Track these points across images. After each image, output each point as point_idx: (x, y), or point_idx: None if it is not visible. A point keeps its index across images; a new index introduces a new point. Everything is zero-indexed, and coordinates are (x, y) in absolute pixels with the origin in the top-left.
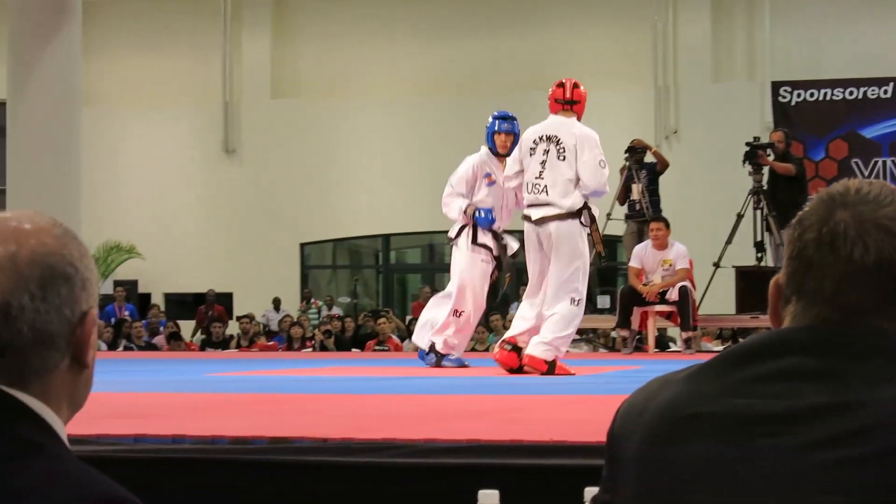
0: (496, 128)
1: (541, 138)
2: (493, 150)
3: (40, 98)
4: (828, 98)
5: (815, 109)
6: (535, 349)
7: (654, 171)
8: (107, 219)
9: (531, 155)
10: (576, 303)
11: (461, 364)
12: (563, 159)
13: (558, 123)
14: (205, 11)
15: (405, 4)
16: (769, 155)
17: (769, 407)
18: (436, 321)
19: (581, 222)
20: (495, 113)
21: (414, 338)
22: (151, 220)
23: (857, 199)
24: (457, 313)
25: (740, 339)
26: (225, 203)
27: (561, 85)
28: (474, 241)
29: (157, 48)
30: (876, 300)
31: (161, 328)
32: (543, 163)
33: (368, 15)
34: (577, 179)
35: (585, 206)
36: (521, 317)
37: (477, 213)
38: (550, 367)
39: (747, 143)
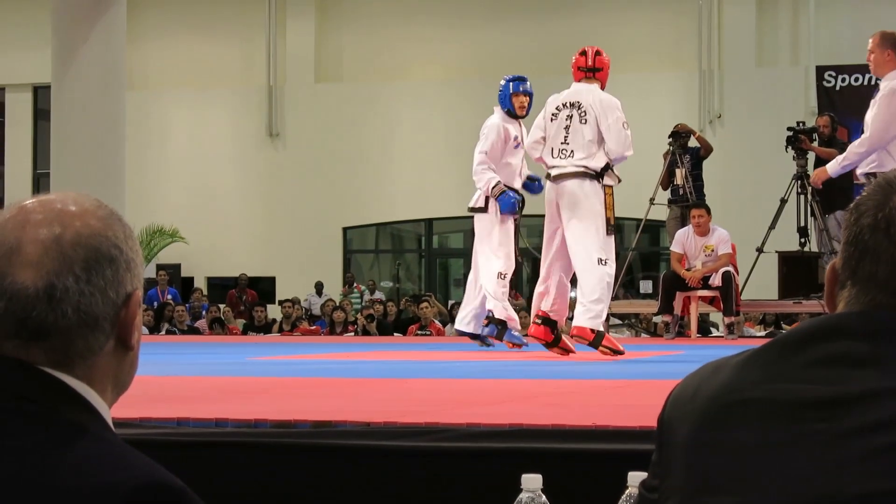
0: (516, 89)
1: (564, 104)
2: (511, 112)
3: (85, 82)
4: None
5: (860, 94)
6: (580, 319)
7: (698, 156)
8: (150, 202)
9: (553, 121)
10: (603, 262)
11: (520, 342)
12: (585, 122)
13: (581, 90)
14: None
15: None
16: (813, 141)
17: (819, 392)
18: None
19: (601, 183)
20: (509, 76)
21: (458, 325)
22: (194, 203)
23: None
24: (501, 275)
25: (783, 325)
26: (268, 187)
27: (583, 53)
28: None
29: (201, 32)
30: None
31: (203, 312)
32: (567, 128)
33: (412, 0)
34: (601, 142)
35: (608, 168)
36: (538, 291)
37: (502, 196)
38: (597, 337)
39: (790, 128)
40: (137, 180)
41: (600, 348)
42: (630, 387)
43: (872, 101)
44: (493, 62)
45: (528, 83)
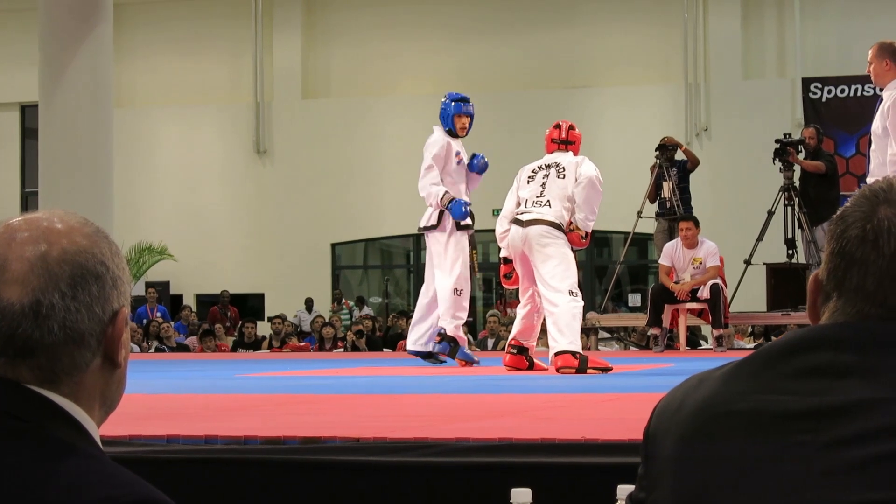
0: (458, 109)
1: (540, 167)
2: (452, 132)
3: (72, 100)
4: (858, 94)
5: (846, 105)
6: (558, 346)
7: (685, 169)
8: (139, 220)
9: (529, 182)
10: (574, 295)
11: (471, 360)
12: (564, 177)
13: (557, 156)
14: (236, 12)
15: (434, 3)
16: (799, 152)
17: (804, 403)
18: (422, 312)
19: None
20: (451, 94)
21: (413, 346)
22: (183, 221)
23: None
24: (457, 291)
25: (772, 337)
26: (256, 204)
27: (558, 126)
28: (458, 226)
29: (188, 49)
30: None
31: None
32: (544, 184)
33: (398, 14)
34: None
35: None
36: (516, 320)
37: (453, 203)
38: (582, 362)
39: (777, 140)
40: (126, 198)
41: (588, 370)
42: (619, 400)
43: (879, 112)
44: (481, 76)
45: (471, 104)
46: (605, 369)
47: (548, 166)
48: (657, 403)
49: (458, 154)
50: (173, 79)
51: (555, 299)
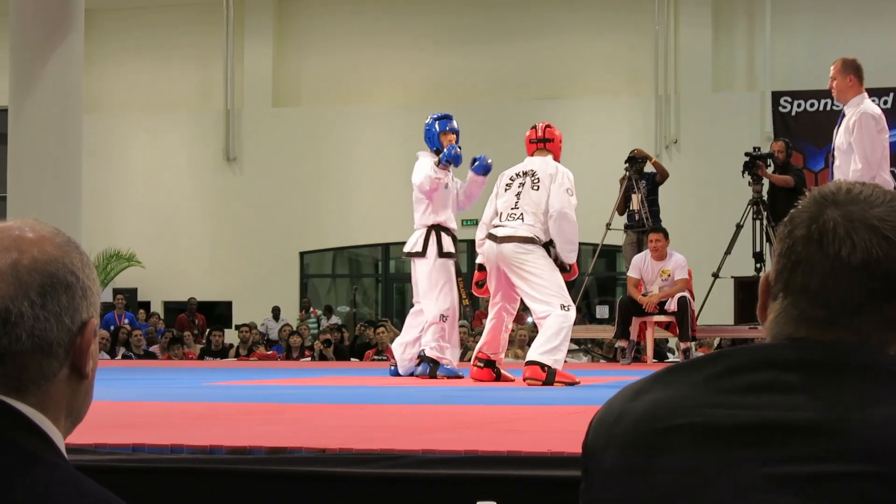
0: (443, 128)
1: (517, 174)
2: (440, 151)
3: (42, 105)
4: (828, 108)
5: (815, 119)
6: (533, 354)
7: (654, 182)
8: (107, 226)
9: (506, 190)
10: (566, 308)
11: (456, 374)
12: (538, 189)
13: (535, 161)
14: (207, 19)
15: (405, 13)
16: (768, 166)
17: (748, 418)
18: (417, 336)
19: (546, 250)
20: (435, 114)
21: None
22: (151, 228)
23: (848, 198)
24: (443, 318)
25: None
26: (225, 211)
27: (534, 127)
28: (441, 252)
29: (159, 56)
30: (861, 299)
31: (159, 337)
32: (519, 194)
33: (369, 24)
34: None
35: (551, 245)
36: (484, 333)
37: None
38: (550, 375)
39: (747, 154)
40: (95, 204)
41: (555, 384)
42: (585, 412)
43: (842, 128)
44: (452, 86)
45: (455, 121)
46: (572, 383)
47: (524, 174)
48: (593, 416)
49: (446, 185)
50: (143, 85)
51: (544, 312)
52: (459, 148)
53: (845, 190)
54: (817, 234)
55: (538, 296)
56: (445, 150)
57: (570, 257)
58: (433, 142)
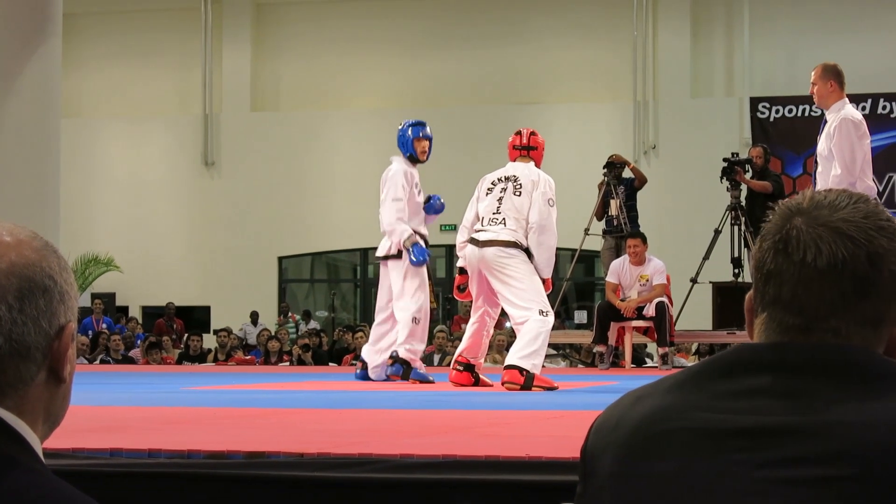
0: (416, 134)
1: (499, 179)
2: (413, 157)
3: (20, 109)
4: (805, 114)
5: (793, 125)
6: (512, 358)
7: (632, 187)
8: (85, 231)
9: (487, 194)
10: (544, 314)
11: (427, 379)
12: (519, 195)
13: (517, 166)
14: (185, 24)
15: (384, 18)
16: (746, 172)
17: (740, 422)
18: (390, 340)
19: (528, 255)
20: (409, 120)
21: (367, 357)
22: (129, 232)
23: (812, 205)
24: (416, 320)
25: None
26: (203, 216)
27: (518, 133)
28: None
29: (137, 60)
30: (833, 303)
31: (138, 341)
32: (501, 199)
33: (347, 28)
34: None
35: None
36: (465, 337)
37: (415, 247)
38: (528, 380)
39: (725, 159)
40: (72, 209)
41: (533, 388)
42: (563, 417)
43: (823, 134)
44: (430, 91)
45: (428, 128)
46: (551, 388)
47: (506, 179)
48: (594, 421)
49: (416, 184)
50: (122, 90)
51: (522, 317)
52: (441, 200)
53: (810, 197)
54: (782, 243)
55: (517, 301)
56: (432, 201)
57: (545, 272)
58: (406, 147)
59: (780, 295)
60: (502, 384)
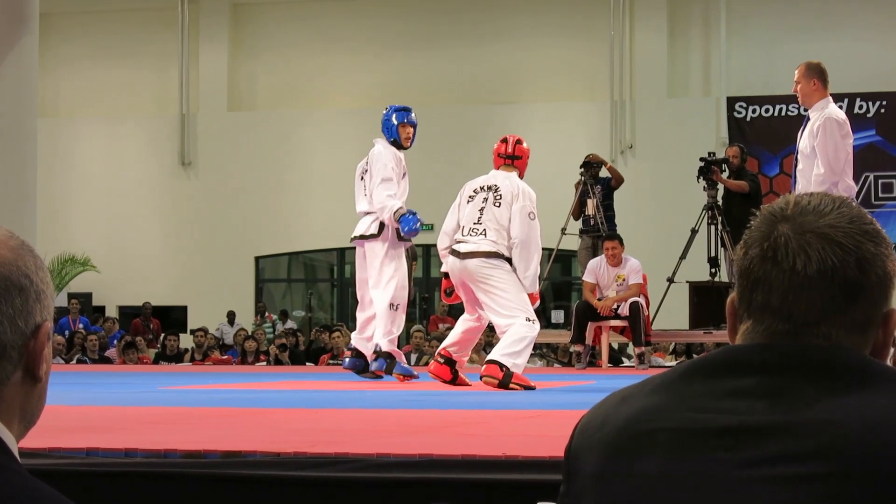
0: (401, 119)
1: (481, 188)
2: (397, 143)
3: None
4: (782, 114)
5: (770, 125)
6: (494, 353)
7: (609, 187)
8: (61, 231)
9: (469, 202)
10: (531, 321)
11: (411, 374)
12: (500, 206)
13: (499, 175)
14: (162, 23)
15: (361, 18)
16: (723, 171)
17: (723, 421)
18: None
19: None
20: (394, 105)
21: (360, 347)
22: (106, 232)
23: (797, 211)
24: (393, 307)
25: (694, 355)
26: (180, 216)
27: (504, 140)
28: (399, 237)
29: (113, 60)
30: (823, 309)
31: (114, 341)
32: (482, 210)
33: (324, 29)
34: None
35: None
36: (455, 330)
37: (405, 218)
38: (506, 376)
39: (701, 159)
40: (49, 208)
41: (511, 386)
42: (540, 417)
43: (806, 132)
44: (407, 91)
45: (413, 114)
46: (529, 387)
47: (488, 188)
48: (579, 421)
49: (405, 169)
50: (98, 90)
51: (508, 324)
52: (417, 224)
53: (794, 203)
54: (771, 251)
55: (502, 311)
56: (404, 221)
57: (530, 287)
58: (391, 132)
59: (769, 302)
60: (480, 377)
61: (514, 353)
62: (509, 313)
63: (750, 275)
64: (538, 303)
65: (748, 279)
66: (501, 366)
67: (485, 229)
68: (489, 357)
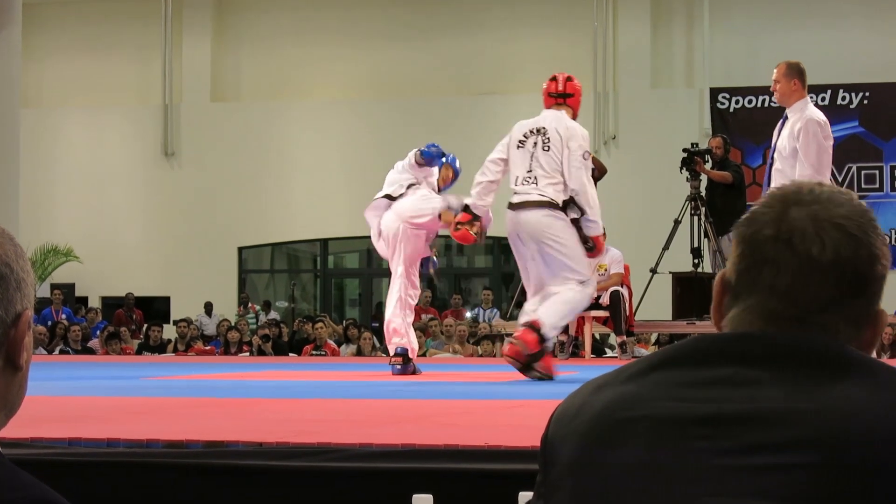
0: (454, 163)
1: (531, 132)
2: (428, 166)
3: None
4: (765, 105)
5: (753, 116)
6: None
7: (593, 177)
8: (44, 221)
9: (519, 148)
10: (583, 283)
11: (416, 371)
12: (548, 150)
13: (548, 116)
14: (145, 14)
15: (345, 9)
16: (706, 162)
17: (702, 410)
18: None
19: (566, 213)
20: (450, 155)
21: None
22: (89, 222)
23: (811, 198)
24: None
25: None
26: (163, 206)
27: (554, 79)
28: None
29: (97, 50)
30: (830, 297)
31: (94, 332)
32: (532, 155)
33: (308, 19)
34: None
35: (572, 202)
36: (524, 311)
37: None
38: (532, 358)
39: (684, 150)
40: (31, 199)
41: (532, 373)
42: (522, 407)
43: (785, 132)
44: (391, 82)
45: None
46: (548, 377)
47: (537, 131)
48: (554, 410)
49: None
50: (81, 80)
51: (559, 288)
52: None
53: (808, 190)
54: (787, 234)
55: (562, 273)
56: (428, 150)
57: (594, 230)
58: (433, 161)
59: (776, 283)
60: (511, 338)
61: (556, 320)
62: (566, 276)
63: (757, 255)
64: (604, 248)
65: (755, 258)
66: (540, 335)
67: (535, 177)
68: (528, 318)
